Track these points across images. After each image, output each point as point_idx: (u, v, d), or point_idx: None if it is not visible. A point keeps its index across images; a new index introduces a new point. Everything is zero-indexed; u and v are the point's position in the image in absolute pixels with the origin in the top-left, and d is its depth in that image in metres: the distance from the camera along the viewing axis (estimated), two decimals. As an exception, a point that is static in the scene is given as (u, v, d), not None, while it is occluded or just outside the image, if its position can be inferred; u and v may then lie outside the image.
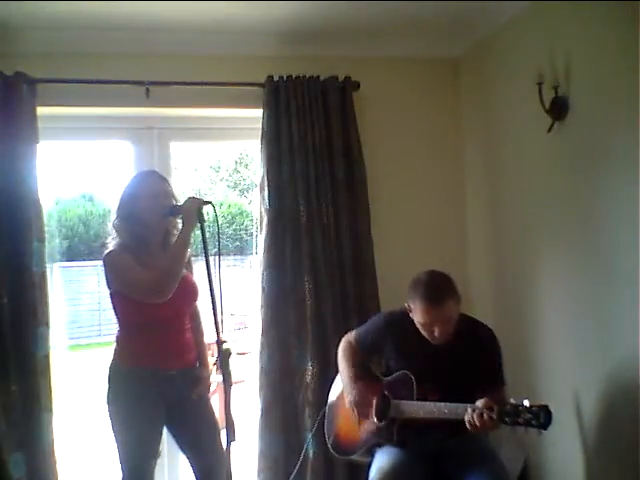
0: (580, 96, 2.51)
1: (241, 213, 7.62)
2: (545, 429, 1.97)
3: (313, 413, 3.05)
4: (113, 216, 2.44)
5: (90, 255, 7.49)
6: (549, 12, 2.68)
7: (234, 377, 2.01)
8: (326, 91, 3.25)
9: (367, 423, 2.46)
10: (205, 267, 2.06)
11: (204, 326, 2.64)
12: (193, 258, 2.65)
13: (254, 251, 3.40)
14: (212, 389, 2.68)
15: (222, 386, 1.98)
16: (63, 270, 6.85)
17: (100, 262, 2.39)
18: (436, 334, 2.29)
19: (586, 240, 2.51)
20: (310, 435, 3.02)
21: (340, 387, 2.64)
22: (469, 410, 2.11)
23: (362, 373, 2.54)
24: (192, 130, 3.48)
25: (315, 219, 3.19)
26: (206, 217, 2.24)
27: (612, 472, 2.40)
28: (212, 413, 2.54)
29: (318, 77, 3.25)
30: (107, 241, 2.45)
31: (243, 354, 4.79)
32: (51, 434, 2.92)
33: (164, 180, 2.51)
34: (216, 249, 2.17)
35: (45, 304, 2.94)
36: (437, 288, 2.29)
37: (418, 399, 2.30)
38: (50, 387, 2.94)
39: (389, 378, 2.45)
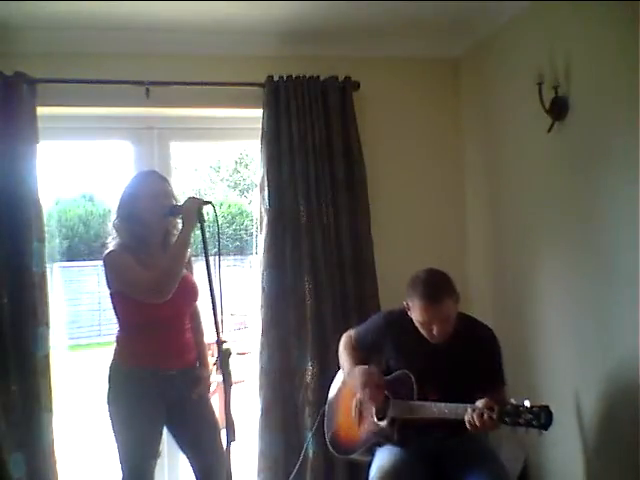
0: (580, 96, 2.51)
1: (241, 213, 7.62)
2: (546, 430, 1.97)
3: (313, 413, 3.05)
4: (113, 216, 2.44)
5: (90, 255, 7.49)
6: (549, 12, 2.68)
7: (234, 377, 2.01)
8: (326, 91, 3.25)
9: (367, 422, 2.46)
10: (205, 267, 2.06)
11: (204, 326, 2.64)
12: (193, 258, 2.65)
13: (254, 251, 3.40)
14: (212, 389, 2.68)
15: (222, 386, 1.98)
16: (63, 270, 6.85)
17: (100, 262, 2.39)
18: (434, 332, 2.29)
19: (586, 240, 2.51)
20: (310, 434, 3.02)
21: (339, 386, 2.64)
22: (469, 410, 2.11)
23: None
24: (192, 130, 3.48)
25: (315, 219, 3.19)
26: (206, 217, 2.24)
27: (612, 472, 2.40)
28: (212, 413, 2.54)
29: (318, 77, 3.25)
30: (107, 241, 2.45)
31: (243, 354, 4.79)
32: (51, 434, 2.92)
33: (164, 180, 2.51)
34: (216, 249, 2.17)
35: (45, 304, 2.94)
36: (435, 286, 2.28)
37: (418, 399, 2.30)
38: (50, 387, 2.94)
39: (389, 378, 2.45)
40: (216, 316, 2.02)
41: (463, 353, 2.32)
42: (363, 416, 2.48)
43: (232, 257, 7.12)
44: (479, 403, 2.10)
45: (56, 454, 2.94)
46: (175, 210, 2.37)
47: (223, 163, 7.84)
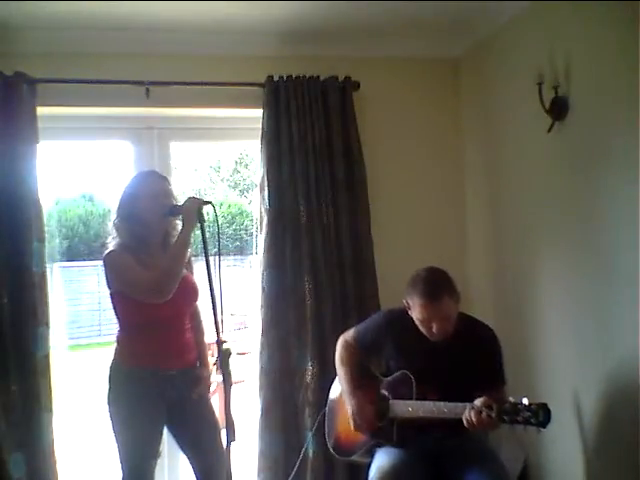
0: (580, 96, 2.51)
1: (241, 213, 7.62)
2: (544, 427, 1.97)
3: (313, 413, 3.05)
4: (113, 216, 2.44)
5: (90, 255, 7.49)
6: (549, 12, 2.68)
7: (234, 377, 2.01)
8: (326, 91, 3.25)
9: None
10: (205, 267, 2.06)
11: (204, 326, 2.64)
12: (193, 258, 2.65)
13: (254, 251, 3.40)
14: (212, 389, 2.68)
15: (222, 386, 1.98)
16: (63, 270, 6.85)
17: (100, 262, 2.39)
18: (434, 330, 2.29)
19: (586, 240, 2.51)
20: (310, 435, 3.02)
21: (340, 387, 2.63)
22: (468, 408, 2.11)
23: (361, 376, 2.53)
24: (192, 130, 3.48)
25: (315, 219, 3.19)
26: (206, 217, 2.24)
27: (612, 472, 2.40)
28: (212, 413, 2.53)
29: (318, 77, 3.25)
30: (107, 241, 2.45)
31: (243, 354, 4.79)
32: (51, 434, 2.92)
33: (164, 180, 2.51)
34: (216, 249, 2.17)
35: (45, 304, 2.94)
36: (435, 284, 2.29)
37: (418, 399, 2.30)
38: (50, 387, 2.94)
39: (389, 378, 2.45)
40: (216, 316, 2.02)
41: (463, 353, 2.32)
42: (359, 430, 2.47)
43: (232, 257, 7.12)
44: (477, 402, 2.11)
45: (56, 454, 2.94)
46: (175, 210, 2.37)
47: (223, 163, 7.84)
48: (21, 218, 2.90)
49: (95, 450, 4.34)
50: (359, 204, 3.27)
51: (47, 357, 2.93)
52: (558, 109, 2.57)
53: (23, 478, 2.82)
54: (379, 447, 2.44)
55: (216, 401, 3.88)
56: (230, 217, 7.49)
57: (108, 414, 2.39)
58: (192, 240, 2.38)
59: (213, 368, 2.49)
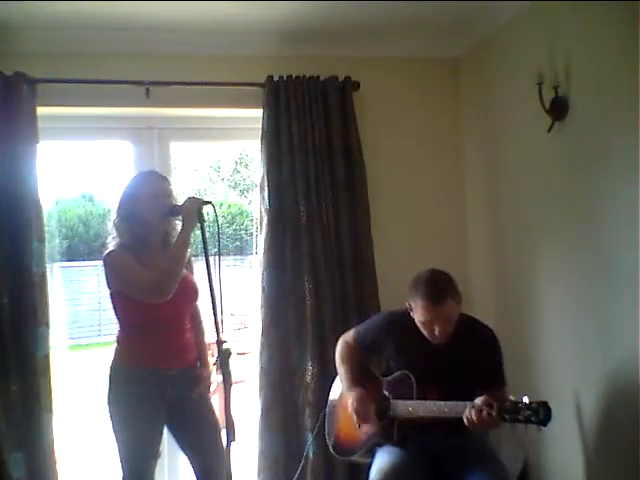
0: (580, 96, 2.51)
1: (241, 213, 7.62)
2: (545, 425, 1.97)
3: (313, 413, 3.05)
4: (113, 216, 2.44)
5: (90, 255, 7.50)
6: (549, 12, 2.68)
7: (234, 377, 2.01)
8: (326, 91, 3.25)
9: (367, 424, 2.46)
10: (205, 267, 2.06)
11: (204, 326, 2.64)
12: (193, 258, 2.65)
13: (254, 251, 3.40)
14: (212, 389, 2.68)
15: (222, 386, 1.98)
16: (63, 270, 6.85)
17: (100, 262, 2.39)
18: (436, 333, 2.29)
19: (586, 240, 2.51)
20: (312, 436, 3.02)
21: (341, 387, 2.64)
22: (468, 407, 2.11)
23: (361, 375, 2.54)
24: (192, 130, 3.48)
25: (315, 219, 3.19)
26: (206, 217, 2.24)
27: (612, 472, 2.40)
28: (212, 413, 2.53)
29: (318, 77, 3.25)
30: (107, 241, 2.45)
31: (243, 354, 4.79)
32: (51, 434, 2.92)
33: (164, 180, 2.51)
34: (216, 249, 2.16)
35: (45, 304, 2.94)
36: (438, 286, 2.29)
37: (418, 399, 2.30)
38: (50, 387, 2.94)
39: (389, 378, 2.46)
40: (216, 316, 2.02)
41: (464, 353, 2.32)
42: (362, 423, 2.47)
43: (232, 257, 7.12)
44: (478, 400, 2.11)
45: (56, 454, 2.93)
46: (175, 210, 2.37)
47: (223, 163, 7.85)
48: (21, 218, 2.90)
49: (95, 450, 4.34)
50: (359, 204, 3.27)
51: (47, 357, 2.93)
52: (558, 109, 2.57)
53: (23, 478, 2.82)
54: (379, 447, 2.44)
55: (216, 401, 3.87)
56: (230, 217, 7.49)
57: (108, 414, 2.39)
58: (192, 240, 2.38)
59: (213, 368, 2.49)
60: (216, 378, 2.44)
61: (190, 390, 2.46)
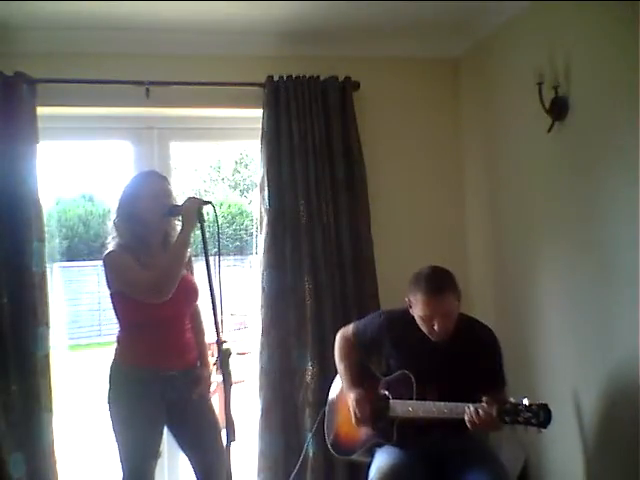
0: (580, 96, 2.51)
1: (241, 213, 7.63)
2: (545, 428, 1.97)
3: (313, 413, 3.05)
4: (113, 216, 2.44)
5: (90, 255, 7.50)
6: (549, 12, 2.68)
7: (234, 377, 2.01)
8: (326, 91, 3.25)
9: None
10: (205, 267, 2.06)
11: (204, 326, 2.64)
12: (193, 258, 2.65)
13: (254, 251, 3.40)
14: (212, 389, 2.68)
15: (222, 386, 1.98)
16: (63, 270, 6.85)
17: (100, 262, 2.39)
18: (436, 328, 2.29)
19: (586, 240, 2.51)
20: (310, 435, 3.02)
21: (340, 386, 2.64)
22: (468, 408, 2.11)
23: (361, 374, 2.54)
24: (192, 130, 3.48)
25: (315, 219, 3.19)
26: (206, 217, 2.24)
27: (612, 472, 2.40)
28: (212, 412, 2.53)
29: (318, 77, 3.25)
30: (107, 241, 2.45)
31: (243, 354, 4.79)
32: (51, 434, 2.92)
33: (164, 180, 2.51)
34: (216, 249, 2.17)
35: (45, 304, 2.94)
36: (438, 280, 2.30)
37: (418, 399, 2.30)
38: (50, 387, 2.94)
39: (388, 378, 2.46)
40: (216, 316, 2.02)
41: (463, 354, 2.32)
42: (360, 425, 2.47)
43: (232, 257, 7.12)
44: (478, 402, 2.11)
45: (56, 454, 2.94)
46: (175, 210, 2.37)
47: (223, 163, 7.85)
48: (21, 218, 2.90)
49: (95, 450, 4.34)
50: (359, 204, 3.27)
51: (47, 357, 2.94)
52: (558, 109, 2.57)
53: (23, 478, 2.82)
54: (379, 447, 2.44)
55: (216, 401, 3.88)
56: (230, 217, 7.49)
57: (108, 414, 2.39)
58: (192, 240, 2.38)
59: (213, 368, 2.50)
60: (216, 378, 2.44)
61: (190, 391, 2.46)
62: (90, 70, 3.05)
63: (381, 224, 3.33)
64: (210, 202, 2.28)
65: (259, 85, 3.20)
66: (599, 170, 2.42)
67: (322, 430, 2.71)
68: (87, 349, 7.37)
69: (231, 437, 1.96)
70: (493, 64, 3.22)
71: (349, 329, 2.63)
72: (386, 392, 2.43)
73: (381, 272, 3.28)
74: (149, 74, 3.10)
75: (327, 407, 2.71)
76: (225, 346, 2.00)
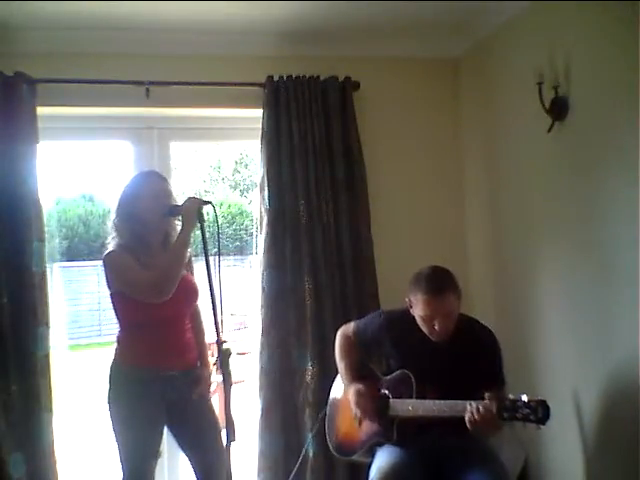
0: (580, 96, 2.51)
1: (241, 213, 7.64)
2: (543, 424, 1.97)
3: (313, 413, 3.05)
4: (113, 216, 2.44)
5: (90, 255, 7.51)
6: (549, 12, 2.68)
7: (234, 377, 2.01)
8: (326, 91, 3.25)
9: (367, 422, 2.46)
10: (205, 267, 2.06)
11: (204, 326, 2.64)
12: (193, 258, 2.65)
13: (254, 251, 3.40)
14: (212, 389, 2.68)
15: (222, 386, 1.98)
16: (63, 270, 6.85)
17: (100, 262, 2.39)
18: (436, 327, 2.29)
19: (586, 240, 2.51)
20: (310, 435, 3.02)
21: (341, 387, 2.64)
22: (470, 406, 2.11)
23: (361, 373, 2.54)
24: (192, 130, 3.48)
25: (315, 219, 3.19)
26: (206, 217, 2.24)
27: (612, 472, 2.40)
28: (212, 412, 2.53)
29: (318, 77, 3.25)
30: (107, 241, 2.45)
31: (243, 354, 4.80)
32: (51, 434, 2.92)
33: (164, 180, 2.51)
34: (216, 249, 2.17)
35: (45, 304, 2.94)
36: (438, 281, 2.30)
37: (417, 398, 2.30)
38: (50, 387, 2.94)
39: (388, 377, 2.46)
40: (216, 316, 2.02)
41: (463, 354, 2.32)
42: (365, 418, 2.47)
43: (232, 257, 7.13)
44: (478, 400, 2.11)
45: (56, 454, 2.94)
46: (175, 210, 2.37)
47: (223, 163, 7.86)
48: (21, 218, 2.90)
49: (95, 450, 4.34)
50: (359, 204, 3.27)
51: (47, 357, 2.94)
52: (558, 109, 2.57)
53: (23, 478, 2.82)
54: (379, 446, 2.44)
55: (216, 401, 3.88)
56: (230, 217, 7.50)
57: (108, 414, 2.39)
58: (192, 240, 2.38)
59: (213, 368, 2.50)
60: (216, 378, 2.44)
61: (190, 391, 2.46)
62: (90, 70, 3.05)
63: (381, 224, 3.33)
64: (210, 202, 2.27)
65: (259, 85, 3.20)
66: (599, 170, 2.42)
67: (323, 430, 2.71)
68: (87, 349, 7.38)
69: (231, 437, 1.96)
70: (493, 64, 3.22)
71: (349, 327, 2.64)
72: (386, 391, 2.43)
73: (381, 272, 3.28)
74: (149, 74, 3.10)
75: (328, 408, 2.71)
76: (225, 346, 2.00)
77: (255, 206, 3.39)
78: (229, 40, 3.20)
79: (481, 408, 2.08)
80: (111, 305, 2.43)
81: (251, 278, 3.84)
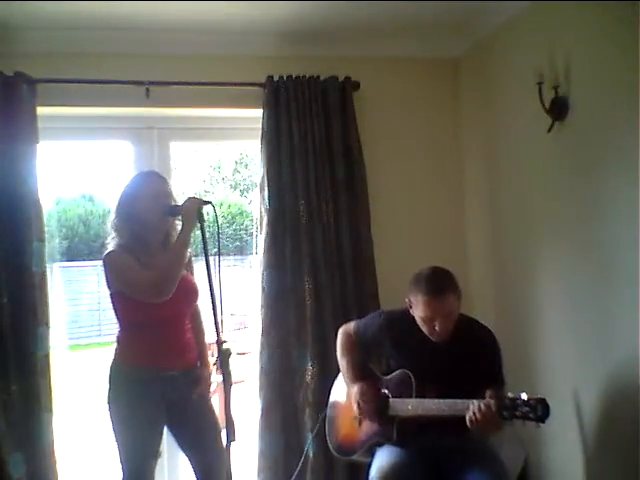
0: (580, 96, 2.51)
1: (241, 213, 7.64)
2: (543, 422, 1.97)
3: (313, 413, 3.05)
4: (113, 216, 2.44)
5: (90, 255, 7.51)
6: (549, 12, 2.68)
7: (234, 377, 2.01)
8: (326, 91, 3.25)
9: (367, 422, 2.46)
10: (205, 267, 2.06)
11: (204, 326, 2.64)
12: (193, 258, 2.65)
13: (254, 251, 3.40)
14: (212, 389, 2.68)
15: (222, 386, 1.98)
16: (63, 270, 6.86)
17: (100, 262, 2.39)
18: (437, 328, 2.29)
19: (586, 240, 2.51)
20: (311, 436, 3.02)
21: (341, 387, 2.64)
22: (472, 404, 2.11)
23: (361, 372, 2.54)
24: (192, 130, 3.48)
25: (315, 219, 3.19)
26: (206, 217, 2.24)
27: (612, 471, 2.40)
28: (212, 412, 2.53)
29: (318, 77, 3.25)
30: (107, 241, 2.45)
31: (243, 354, 4.80)
32: (51, 434, 2.92)
33: (164, 180, 2.52)
34: (216, 249, 2.17)
35: (45, 304, 2.94)
36: (439, 281, 2.30)
37: (417, 398, 2.30)
38: (50, 387, 2.94)
39: (388, 377, 2.46)
40: (216, 316, 2.02)
41: (463, 354, 2.32)
42: (366, 416, 2.47)
43: (232, 257, 7.13)
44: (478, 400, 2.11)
45: (56, 454, 2.94)
46: (175, 210, 2.37)
47: (223, 163, 7.86)
48: (21, 218, 2.90)
49: (95, 450, 4.34)
50: (359, 204, 3.27)
51: (47, 357, 2.94)
52: (558, 109, 2.57)
53: (23, 478, 2.82)
54: (379, 446, 2.44)
55: (216, 401, 3.88)
56: (230, 217, 7.50)
57: (108, 414, 2.39)
58: (192, 240, 2.38)
59: (213, 368, 2.49)
60: (216, 378, 2.44)
61: (190, 391, 2.46)
62: (90, 70, 3.05)
63: (381, 224, 3.33)
64: (210, 202, 2.27)
65: (259, 85, 3.20)
66: (599, 170, 2.42)
67: (323, 431, 2.71)
68: (87, 349, 7.38)
69: (231, 437, 1.96)
70: (493, 64, 3.22)
71: (350, 326, 2.64)
72: (386, 391, 2.43)
73: (381, 272, 3.28)
74: (149, 74, 3.10)
75: (328, 408, 2.71)
76: (225, 346, 2.00)
77: (255, 206, 3.39)
78: (229, 40, 3.20)
79: (482, 407, 2.08)
80: (111, 305, 2.43)
81: (251, 278, 3.84)
